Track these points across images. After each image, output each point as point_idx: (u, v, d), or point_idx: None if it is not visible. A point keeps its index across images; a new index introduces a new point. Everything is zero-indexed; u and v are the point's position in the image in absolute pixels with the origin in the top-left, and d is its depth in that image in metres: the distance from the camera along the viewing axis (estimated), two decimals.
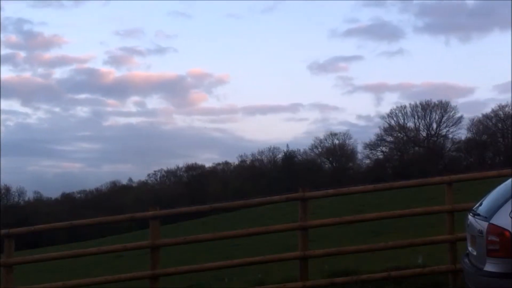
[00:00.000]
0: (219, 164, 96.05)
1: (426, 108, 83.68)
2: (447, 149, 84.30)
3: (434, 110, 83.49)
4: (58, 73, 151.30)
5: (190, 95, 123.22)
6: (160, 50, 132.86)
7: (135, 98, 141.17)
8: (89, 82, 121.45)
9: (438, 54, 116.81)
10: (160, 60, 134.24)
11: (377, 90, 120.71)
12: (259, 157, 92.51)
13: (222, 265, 12.06)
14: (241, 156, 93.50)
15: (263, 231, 12.68)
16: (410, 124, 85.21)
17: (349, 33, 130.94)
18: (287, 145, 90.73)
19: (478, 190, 10.52)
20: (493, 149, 79.91)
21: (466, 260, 8.32)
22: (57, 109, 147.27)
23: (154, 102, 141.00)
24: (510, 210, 7.39)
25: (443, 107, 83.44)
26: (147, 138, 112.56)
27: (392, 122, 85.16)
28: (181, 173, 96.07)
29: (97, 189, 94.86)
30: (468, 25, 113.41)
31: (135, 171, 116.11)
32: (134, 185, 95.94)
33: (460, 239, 10.39)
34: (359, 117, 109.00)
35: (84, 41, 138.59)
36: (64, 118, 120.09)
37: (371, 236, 20.23)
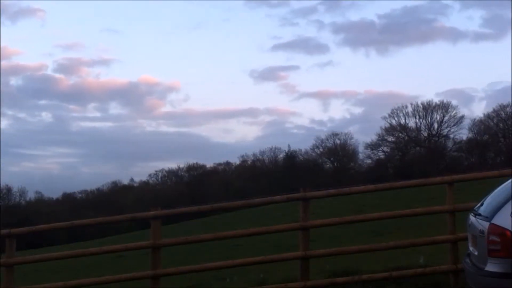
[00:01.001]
0: (220, 164, 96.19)
1: (427, 108, 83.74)
2: (448, 149, 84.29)
3: (436, 110, 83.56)
4: (14, 81, 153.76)
5: (147, 101, 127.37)
6: (104, 61, 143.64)
7: (94, 104, 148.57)
8: (47, 89, 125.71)
9: (373, 65, 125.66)
10: (107, 70, 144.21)
11: (322, 96, 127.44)
12: (260, 157, 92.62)
13: (223, 265, 12.06)
14: (242, 156, 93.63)
15: (264, 231, 12.67)
16: (412, 124, 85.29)
17: (276, 47, 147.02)
18: (288, 145, 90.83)
19: (479, 190, 10.51)
20: (494, 149, 79.85)
21: (467, 260, 8.32)
22: (21, 115, 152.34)
23: (114, 108, 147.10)
24: (511, 210, 7.38)
25: (445, 107, 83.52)
26: (115, 142, 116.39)
27: (393, 122, 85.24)
28: (182, 173, 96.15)
29: (98, 189, 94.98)
30: (383, 40, 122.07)
31: (106, 173, 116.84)
32: (135, 185, 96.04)
33: (461, 239, 10.39)
34: (313, 121, 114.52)
35: (32, 52, 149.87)
36: (29, 123, 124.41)
37: (372, 236, 20.23)
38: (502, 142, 78.83)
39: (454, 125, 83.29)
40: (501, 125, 79.18)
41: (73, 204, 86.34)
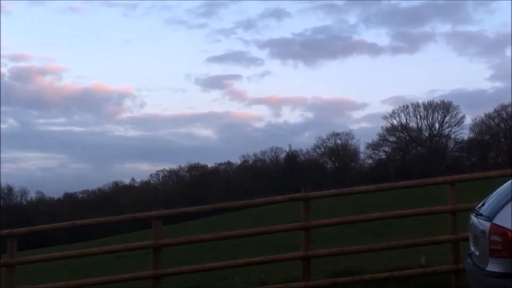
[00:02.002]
0: (221, 164, 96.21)
1: (428, 108, 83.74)
2: (450, 149, 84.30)
3: (437, 110, 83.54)
4: None
5: (106, 107, 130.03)
6: (54, 70, 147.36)
7: (56, 111, 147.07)
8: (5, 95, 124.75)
9: (306, 75, 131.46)
10: (58, 78, 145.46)
11: (273, 102, 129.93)
12: (261, 157, 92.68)
13: (225, 265, 12.06)
14: (243, 156, 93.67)
15: (266, 231, 12.66)
16: (413, 124, 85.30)
17: (211, 59, 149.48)
18: (290, 145, 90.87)
19: (481, 190, 10.51)
20: (496, 149, 79.84)
21: (469, 260, 8.32)
22: None
23: (76, 113, 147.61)
24: None
25: (446, 107, 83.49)
26: (88, 146, 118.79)
27: (395, 122, 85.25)
28: (183, 173, 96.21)
29: (99, 189, 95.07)
30: (309, 53, 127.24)
31: (83, 175, 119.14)
32: (136, 185, 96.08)
33: (462, 239, 10.38)
34: (269, 124, 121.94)
35: None
36: None
37: (374, 236, 20.21)
38: (503, 142, 78.81)
39: (455, 125, 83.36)
40: (502, 125, 79.16)
41: (74, 204, 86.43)
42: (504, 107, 78.17)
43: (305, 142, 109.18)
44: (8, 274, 11.23)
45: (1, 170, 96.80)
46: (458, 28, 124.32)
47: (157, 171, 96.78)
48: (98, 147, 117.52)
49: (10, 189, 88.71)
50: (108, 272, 16.27)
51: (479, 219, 7.99)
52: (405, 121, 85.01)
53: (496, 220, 7.45)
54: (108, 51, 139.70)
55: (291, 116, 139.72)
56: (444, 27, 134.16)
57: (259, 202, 12.39)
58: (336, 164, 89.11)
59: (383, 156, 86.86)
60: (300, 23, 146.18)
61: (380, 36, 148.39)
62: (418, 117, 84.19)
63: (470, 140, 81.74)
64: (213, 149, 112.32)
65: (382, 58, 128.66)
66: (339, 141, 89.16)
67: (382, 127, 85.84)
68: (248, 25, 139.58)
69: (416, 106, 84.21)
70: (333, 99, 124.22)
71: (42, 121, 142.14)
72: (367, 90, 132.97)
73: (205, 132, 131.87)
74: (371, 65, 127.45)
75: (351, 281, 11.09)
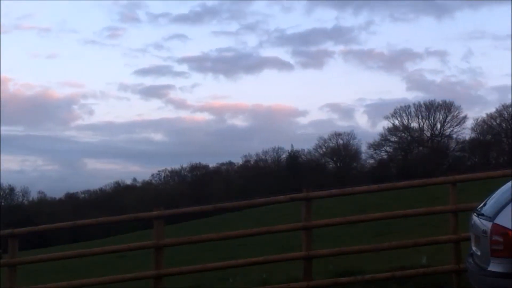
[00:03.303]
0: (223, 164, 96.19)
1: (430, 108, 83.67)
2: (451, 149, 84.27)
3: (438, 110, 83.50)
4: None
5: (60, 113, 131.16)
6: None
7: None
8: None
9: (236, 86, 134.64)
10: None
11: (217, 109, 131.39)
12: (263, 157, 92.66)
13: (226, 265, 12.06)
14: (245, 156, 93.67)
15: (267, 231, 12.67)
16: (414, 124, 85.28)
17: (137, 72, 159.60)
18: (292, 145, 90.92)
19: (482, 190, 10.50)
20: (497, 149, 79.80)
21: (470, 260, 8.32)
22: None
23: (32, 119, 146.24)
24: None
25: (447, 107, 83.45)
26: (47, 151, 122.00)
27: (396, 122, 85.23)
28: (185, 173, 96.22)
29: (101, 189, 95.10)
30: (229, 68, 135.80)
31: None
32: (138, 185, 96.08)
33: (464, 239, 10.38)
34: (220, 129, 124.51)
35: None
36: None
37: (375, 236, 20.22)
38: (505, 142, 78.77)
39: (456, 125, 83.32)
40: (504, 125, 79.15)
41: (76, 204, 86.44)
42: (505, 107, 78.23)
43: (255, 147, 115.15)
44: (10, 274, 11.24)
45: None
46: (350, 47, 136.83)
47: (159, 171, 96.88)
48: (61, 152, 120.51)
49: (11, 189, 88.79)
50: (109, 272, 16.27)
51: (481, 219, 7.99)
52: (406, 121, 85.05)
53: (498, 220, 7.45)
54: (37, 65, 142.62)
55: (237, 121, 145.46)
56: (339, 47, 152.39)
57: (261, 202, 12.39)
58: (338, 164, 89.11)
59: (385, 156, 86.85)
60: (204, 44, 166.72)
61: (285, 53, 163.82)
62: (420, 117, 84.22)
63: (472, 140, 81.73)
64: (170, 153, 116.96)
65: (295, 72, 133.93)
66: (340, 141, 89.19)
67: (383, 127, 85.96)
68: (157, 45, 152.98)
69: (417, 106, 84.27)
70: (275, 106, 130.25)
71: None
72: (301, 99, 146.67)
73: (159, 137, 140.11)
74: (287, 78, 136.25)
75: (353, 281, 11.09)
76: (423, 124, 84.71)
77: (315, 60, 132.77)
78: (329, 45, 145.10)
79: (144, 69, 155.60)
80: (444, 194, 11.60)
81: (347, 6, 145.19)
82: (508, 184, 8.23)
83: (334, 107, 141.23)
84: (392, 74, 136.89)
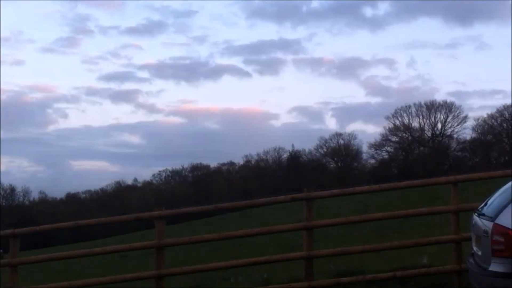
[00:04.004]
0: (224, 164, 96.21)
1: (431, 108, 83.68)
2: (452, 149, 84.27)
3: (439, 110, 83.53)
4: None
5: (36, 117, 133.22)
6: None
7: None
8: None
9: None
10: None
11: (189, 112, 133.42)
12: (264, 157, 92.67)
13: (227, 265, 12.06)
14: (246, 156, 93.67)
15: (268, 231, 12.68)
16: (415, 124, 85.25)
17: (101, 78, 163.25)
18: (293, 145, 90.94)
19: (483, 190, 10.50)
20: (498, 149, 79.84)
21: (471, 260, 8.32)
22: None
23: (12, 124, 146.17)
24: None
25: (448, 107, 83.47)
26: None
27: (397, 122, 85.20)
28: (186, 173, 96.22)
29: (102, 189, 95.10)
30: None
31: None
32: (139, 185, 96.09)
33: (465, 239, 10.38)
34: (196, 132, 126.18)
35: None
36: None
37: (376, 236, 20.21)
38: (506, 142, 78.77)
39: (457, 125, 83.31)
40: (505, 125, 79.13)
41: (77, 204, 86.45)
42: (506, 107, 78.21)
43: (230, 151, 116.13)
44: (11, 274, 11.25)
45: None
46: (300, 56, 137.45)
47: (160, 171, 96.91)
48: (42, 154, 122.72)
49: (12, 189, 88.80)
50: (111, 272, 16.27)
51: (482, 219, 7.99)
52: (407, 121, 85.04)
53: (499, 220, 7.45)
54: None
55: (210, 124, 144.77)
56: (289, 56, 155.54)
57: (262, 202, 12.38)
58: (339, 164, 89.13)
59: (386, 156, 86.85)
60: (158, 53, 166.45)
61: (239, 62, 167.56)
62: (421, 117, 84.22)
63: (473, 140, 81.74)
64: (150, 155, 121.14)
65: (254, 79, 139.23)
66: (341, 141, 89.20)
67: (384, 127, 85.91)
68: (114, 54, 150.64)
69: (418, 106, 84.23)
70: (247, 109, 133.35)
71: None
72: (268, 103, 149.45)
73: (137, 139, 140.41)
74: (248, 84, 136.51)
75: (354, 281, 11.09)
76: (424, 124, 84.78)
77: (270, 68, 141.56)
78: (278, 55, 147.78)
79: (108, 74, 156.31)
80: (445, 194, 11.61)
81: (286, 21, 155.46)
82: (509, 184, 8.23)
83: (302, 110, 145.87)
84: (347, 80, 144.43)
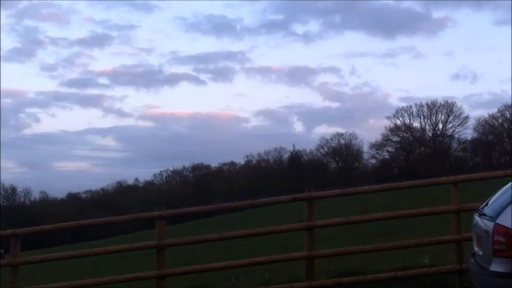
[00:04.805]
0: (225, 164, 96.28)
1: (432, 108, 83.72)
2: (453, 149, 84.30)
3: (440, 110, 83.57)
4: None
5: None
6: None
7: None
8: None
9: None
10: None
11: (157, 117, 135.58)
12: (265, 157, 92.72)
13: (229, 265, 12.06)
14: (247, 156, 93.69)
15: (269, 231, 12.68)
16: (416, 124, 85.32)
17: (62, 84, 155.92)
18: (293, 145, 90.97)
19: (484, 190, 10.51)
20: (499, 149, 79.85)
21: (472, 260, 8.32)
22: None
23: None
24: None
25: (449, 107, 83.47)
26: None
27: (398, 122, 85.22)
28: (187, 173, 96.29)
29: (103, 189, 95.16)
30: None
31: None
32: (140, 185, 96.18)
33: (466, 239, 10.37)
34: (167, 137, 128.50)
35: None
36: None
37: (378, 236, 20.21)
38: (507, 142, 78.76)
39: (459, 125, 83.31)
40: (506, 125, 79.11)
41: (78, 204, 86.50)
42: (507, 107, 78.19)
43: (203, 152, 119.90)
44: (12, 274, 11.24)
45: None
46: (248, 65, 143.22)
47: (161, 171, 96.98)
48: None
49: (13, 189, 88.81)
50: (112, 272, 16.28)
51: (483, 219, 7.99)
52: (408, 121, 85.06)
53: (500, 220, 7.44)
54: None
55: (178, 128, 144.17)
56: (237, 65, 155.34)
57: (263, 202, 12.39)
58: (340, 164, 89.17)
59: (387, 156, 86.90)
60: (111, 62, 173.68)
61: (190, 71, 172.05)
62: (422, 117, 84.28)
63: (474, 140, 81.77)
64: (126, 158, 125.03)
65: (210, 86, 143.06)
66: (342, 141, 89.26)
67: (385, 127, 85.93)
68: (70, 62, 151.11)
69: (419, 106, 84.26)
70: (216, 113, 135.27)
71: None
72: (233, 107, 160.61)
73: (112, 142, 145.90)
74: (206, 90, 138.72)
75: (355, 281, 11.08)
76: (425, 124, 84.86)
77: (222, 76, 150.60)
78: (226, 64, 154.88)
79: (70, 80, 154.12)
80: (446, 194, 11.59)
81: (223, 35, 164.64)
82: (510, 184, 8.22)
83: (268, 114, 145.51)
84: (300, 86, 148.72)
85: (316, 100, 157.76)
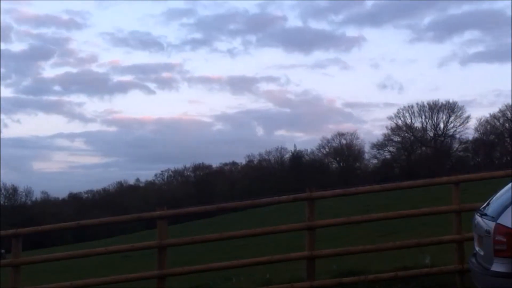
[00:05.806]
0: (226, 164, 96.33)
1: (433, 108, 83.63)
2: (454, 149, 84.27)
3: (441, 110, 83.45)
4: None
5: None
6: None
7: None
8: None
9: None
10: None
11: (122, 121, 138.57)
12: (266, 157, 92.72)
13: (229, 265, 12.05)
14: (248, 156, 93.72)
15: (270, 231, 12.67)
16: (418, 124, 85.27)
17: (20, 91, 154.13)
18: (295, 145, 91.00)
19: (485, 190, 10.51)
20: (500, 149, 79.80)
21: (473, 260, 8.32)
22: None
23: None
24: None
25: (450, 107, 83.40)
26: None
27: (400, 122, 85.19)
28: (188, 173, 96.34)
29: (104, 189, 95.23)
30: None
31: None
32: (141, 185, 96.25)
33: (467, 239, 10.38)
34: (134, 142, 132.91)
35: None
36: None
37: (379, 236, 20.21)
38: (508, 142, 78.75)
39: (460, 125, 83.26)
40: (507, 125, 79.07)
41: (79, 204, 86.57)
42: (508, 107, 78.15)
43: (173, 154, 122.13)
44: (13, 274, 11.25)
45: None
46: (186, 75, 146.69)
47: (162, 171, 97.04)
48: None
49: (15, 189, 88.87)
50: (113, 272, 16.28)
51: (484, 219, 7.98)
52: (410, 121, 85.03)
53: (501, 220, 7.44)
54: None
55: (145, 133, 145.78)
56: (176, 75, 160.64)
57: (264, 202, 12.38)
58: (341, 164, 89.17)
59: (388, 156, 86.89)
60: (57, 70, 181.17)
61: (134, 79, 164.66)
62: (423, 117, 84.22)
63: (475, 140, 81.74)
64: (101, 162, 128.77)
65: (159, 94, 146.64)
66: (343, 141, 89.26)
67: (386, 127, 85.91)
68: (19, 71, 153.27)
69: (421, 106, 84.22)
70: (179, 118, 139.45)
71: None
72: (191, 113, 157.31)
73: (84, 146, 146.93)
74: (158, 97, 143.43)
75: (356, 281, 11.08)
76: (426, 124, 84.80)
77: (166, 85, 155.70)
78: (165, 74, 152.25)
79: (26, 87, 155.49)
80: (447, 194, 11.59)
81: (152, 49, 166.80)
82: (511, 184, 8.22)
83: (228, 119, 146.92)
84: (245, 94, 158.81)
85: (268, 106, 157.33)
